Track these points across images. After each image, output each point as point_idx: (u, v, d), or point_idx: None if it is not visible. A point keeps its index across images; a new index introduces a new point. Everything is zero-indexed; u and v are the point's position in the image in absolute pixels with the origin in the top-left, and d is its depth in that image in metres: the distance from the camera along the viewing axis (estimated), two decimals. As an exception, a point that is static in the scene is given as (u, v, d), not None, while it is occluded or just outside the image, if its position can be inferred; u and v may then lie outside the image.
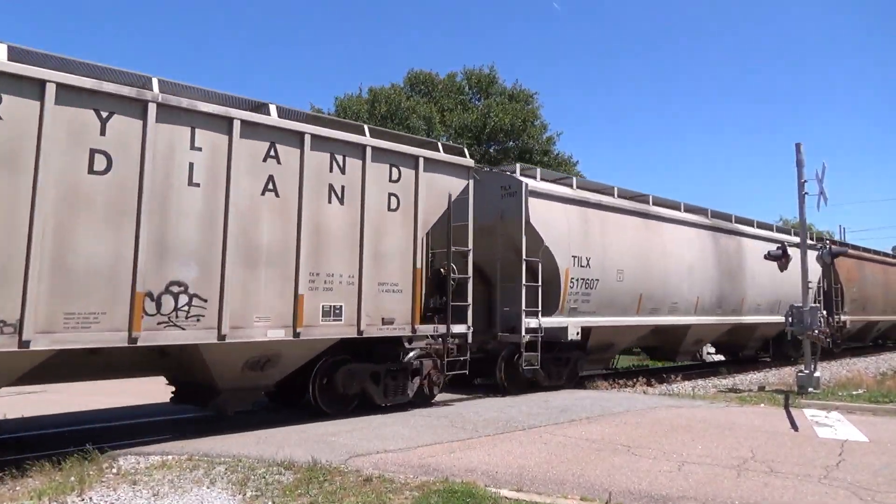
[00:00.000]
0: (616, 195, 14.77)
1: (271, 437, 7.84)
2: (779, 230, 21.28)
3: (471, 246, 11.10)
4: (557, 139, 29.78)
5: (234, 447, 7.19)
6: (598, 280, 13.49)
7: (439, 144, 11.00)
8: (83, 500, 5.57)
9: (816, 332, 13.16)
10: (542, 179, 13.21)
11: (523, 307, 12.20)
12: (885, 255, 29.59)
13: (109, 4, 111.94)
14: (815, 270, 18.76)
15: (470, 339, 10.95)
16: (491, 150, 27.33)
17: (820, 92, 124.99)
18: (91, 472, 6.27)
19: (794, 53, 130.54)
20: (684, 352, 17.91)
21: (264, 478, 6.07)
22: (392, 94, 27.23)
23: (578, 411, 10.16)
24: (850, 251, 23.23)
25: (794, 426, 9.09)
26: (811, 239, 19.91)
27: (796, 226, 23.03)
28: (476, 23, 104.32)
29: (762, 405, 11.30)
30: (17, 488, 6.06)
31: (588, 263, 13.31)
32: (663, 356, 19.09)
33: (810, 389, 12.89)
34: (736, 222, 18.68)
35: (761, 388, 14.29)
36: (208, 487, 5.87)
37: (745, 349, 20.76)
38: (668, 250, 15.43)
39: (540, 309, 12.40)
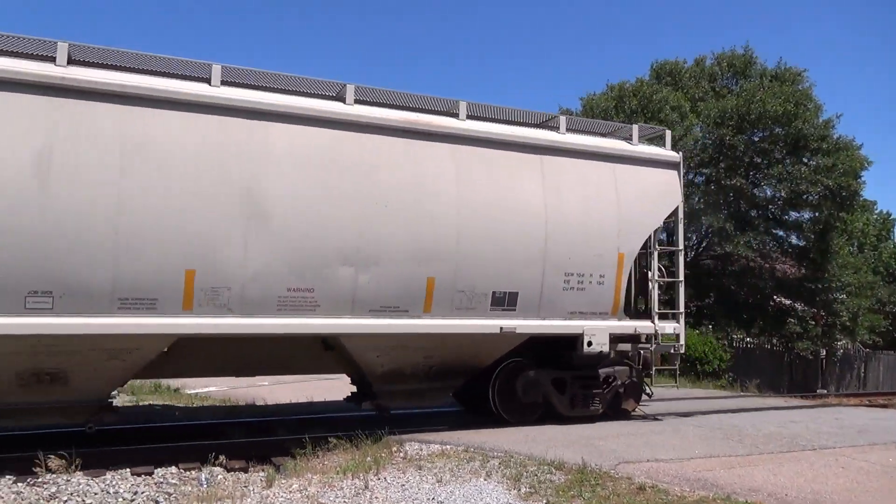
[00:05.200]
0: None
1: (539, 437, 8.00)
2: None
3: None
4: (837, 122, 25.37)
5: (505, 443, 7.48)
6: None
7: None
8: (380, 479, 6.23)
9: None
10: None
11: None
12: None
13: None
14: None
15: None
16: (755, 139, 24.67)
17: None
18: (383, 455, 6.99)
19: None
20: None
21: (536, 475, 6.22)
22: (640, 87, 26.10)
23: (880, 433, 8.81)
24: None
25: None
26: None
27: None
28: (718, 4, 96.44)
29: None
30: (326, 462, 6.98)
31: None
32: None
33: None
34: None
35: None
36: (485, 479, 6.19)
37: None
38: None
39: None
